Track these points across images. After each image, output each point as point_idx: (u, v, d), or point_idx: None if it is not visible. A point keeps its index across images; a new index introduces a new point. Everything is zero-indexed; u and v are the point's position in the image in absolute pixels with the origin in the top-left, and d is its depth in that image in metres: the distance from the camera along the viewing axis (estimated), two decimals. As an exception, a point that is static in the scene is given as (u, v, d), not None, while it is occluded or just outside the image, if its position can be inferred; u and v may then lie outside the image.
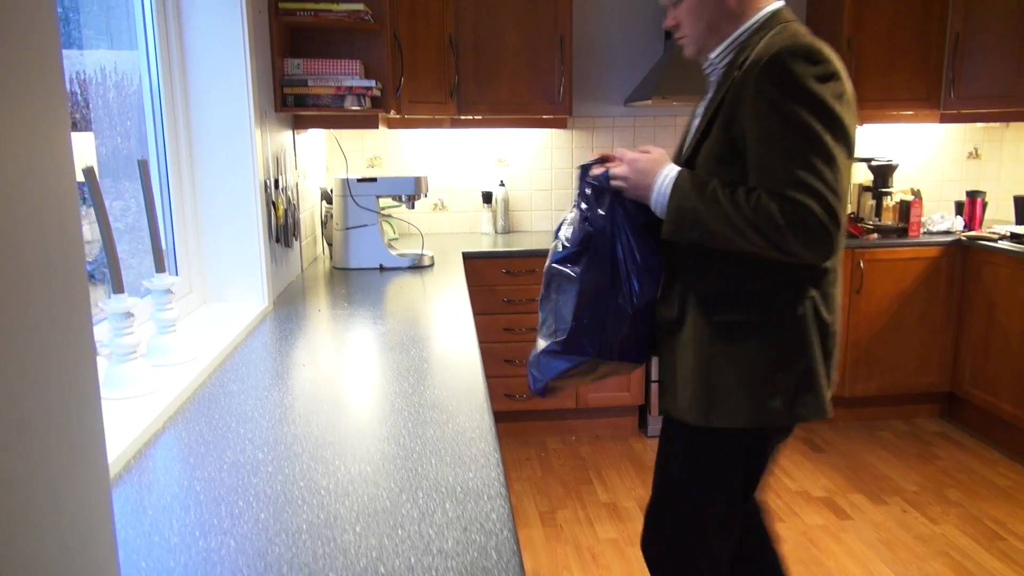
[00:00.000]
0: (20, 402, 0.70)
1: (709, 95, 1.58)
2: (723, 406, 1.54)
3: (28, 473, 0.71)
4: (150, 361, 1.60)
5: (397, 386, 1.57)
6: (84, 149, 1.78)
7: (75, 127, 1.75)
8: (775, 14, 1.52)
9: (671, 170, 1.54)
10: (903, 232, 3.80)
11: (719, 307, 1.54)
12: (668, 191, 1.51)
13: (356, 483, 1.13)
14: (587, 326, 1.61)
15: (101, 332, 1.54)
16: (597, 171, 1.64)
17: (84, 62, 1.78)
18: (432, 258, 3.12)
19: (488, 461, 1.20)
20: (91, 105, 1.79)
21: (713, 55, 1.57)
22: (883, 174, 3.90)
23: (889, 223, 3.87)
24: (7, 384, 0.68)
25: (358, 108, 2.70)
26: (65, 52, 1.70)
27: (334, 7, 2.61)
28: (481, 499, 1.08)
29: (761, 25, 1.51)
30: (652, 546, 1.78)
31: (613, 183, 1.60)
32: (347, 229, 2.96)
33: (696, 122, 1.62)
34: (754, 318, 1.52)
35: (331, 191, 3.17)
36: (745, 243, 1.44)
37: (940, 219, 3.89)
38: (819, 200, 1.37)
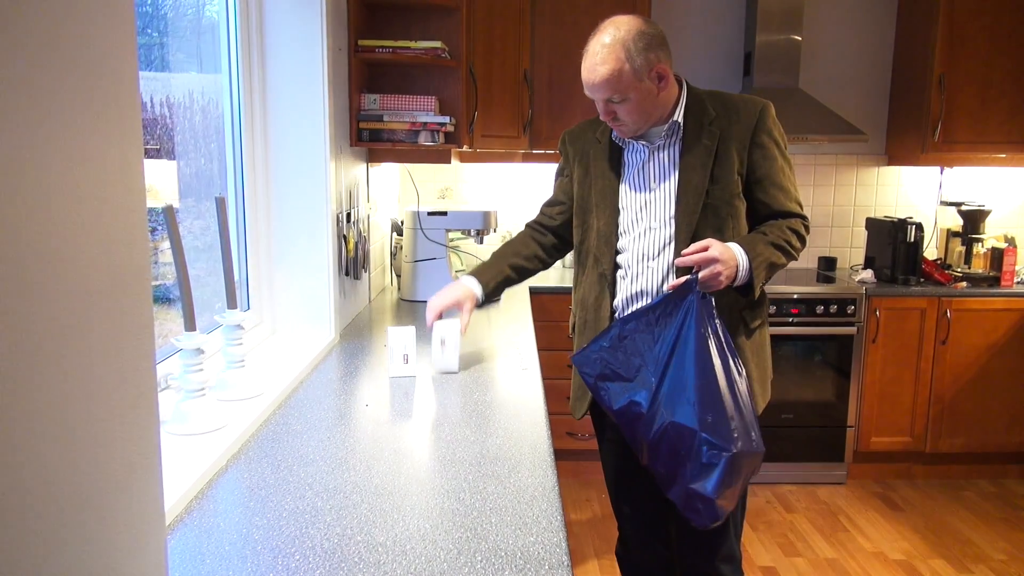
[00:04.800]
0: (76, 434, 0.69)
1: (674, 148, 1.82)
2: (767, 391, 1.90)
3: (80, 513, 0.70)
4: (218, 395, 1.61)
5: (459, 432, 1.54)
6: (166, 179, 1.84)
7: (159, 155, 1.80)
8: (689, 86, 1.85)
9: (733, 245, 1.72)
10: (995, 281, 3.59)
11: (751, 313, 1.86)
12: (748, 258, 1.71)
13: (414, 541, 1.10)
14: (712, 423, 1.58)
15: (172, 366, 1.57)
16: (681, 280, 1.69)
17: (173, 85, 1.83)
18: (499, 293, 3.10)
19: (551, 524, 1.15)
20: (178, 128, 1.84)
21: (657, 128, 1.82)
22: (974, 219, 3.71)
23: (980, 271, 3.66)
24: (64, 415, 0.67)
25: (432, 143, 2.72)
26: (156, 75, 1.76)
27: (412, 44, 2.64)
28: (542, 568, 1.03)
29: (691, 97, 1.83)
30: (709, 561, 1.90)
31: (712, 273, 1.65)
32: (416, 261, 2.97)
33: (658, 165, 1.83)
34: (763, 318, 1.91)
35: (401, 223, 3.20)
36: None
37: (1036, 268, 3.67)
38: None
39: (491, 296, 2.10)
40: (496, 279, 2.05)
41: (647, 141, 1.83)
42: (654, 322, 1.67)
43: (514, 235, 2.18)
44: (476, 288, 2.02)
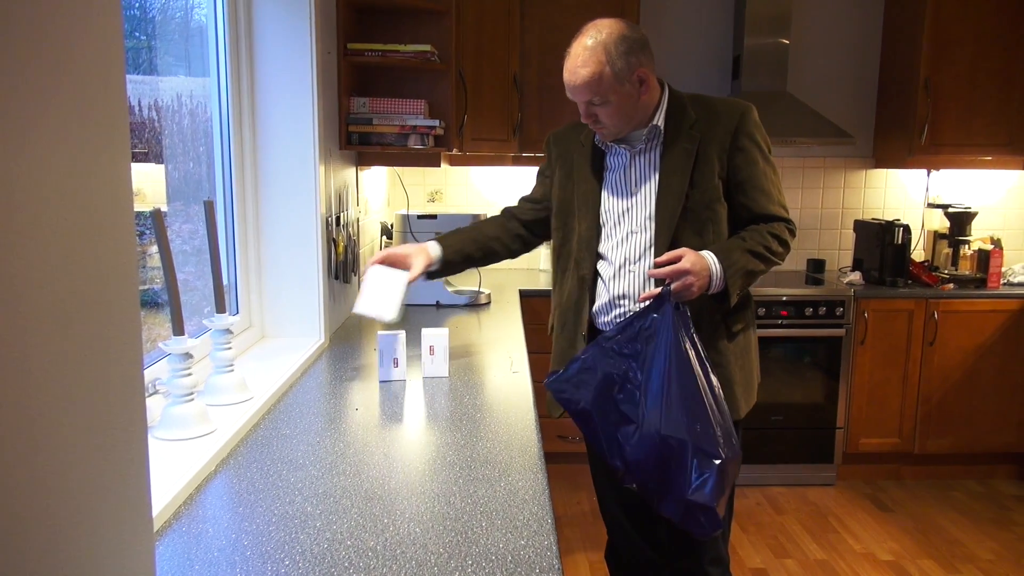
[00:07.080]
0: (64, 440, 0.68)
1: (655, 152, 1.81)
2: (752, 395, 1.90)
3: (66, 519, 0.69)
4: (206, 400, 1.60)
5: (450, 436, 1.54)
6: (154, 183, 1.83)
7: (147, 158, 1.79)
8: (671, 90, 1.85)
9: (708, 254, 1.72)
10: (981, 283, 3.62)
11: (733, 317, 1.85)
12: (722, 267, 1.71)
13: (404, 545, 1.10)
14: (701, 432, 1.59)
15: (160, 370, 1.56)
16: (653, 292, 1.71)
17: (161, 89, 1.82)
18: (489, 296, 3.10)
19: (541, 527, 1.15)
20: (166, 131, 1.83)
21: (638, 132, 1.81)
22: (960, 221, 3.74)
23: (966, 273, 3.69)
24: (52, 421, 0.66)
25: (421, 147, 2.72)
26: (144, 78, 1.75)
27: (401, 48, 2.64)
28: (533, 571, 1.03)
29: (672, 100, 1.82)
30: (699, 564, 1.90)
31: (684, 285, 1.66)
32: (405, 265, 2.96)
33: (639, 169, 1.82)
34: (746, 322, 1.90)
35: (391, 226, 3.19)
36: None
37: (1022, 270, 3.70)
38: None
39: (449, 268, 2.05)
40: (460, 254, 2.04)
41: (628, 145, 1.83)
42: (633, 336, 1.68)
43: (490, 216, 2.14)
44: (435, 251, 2.01)
